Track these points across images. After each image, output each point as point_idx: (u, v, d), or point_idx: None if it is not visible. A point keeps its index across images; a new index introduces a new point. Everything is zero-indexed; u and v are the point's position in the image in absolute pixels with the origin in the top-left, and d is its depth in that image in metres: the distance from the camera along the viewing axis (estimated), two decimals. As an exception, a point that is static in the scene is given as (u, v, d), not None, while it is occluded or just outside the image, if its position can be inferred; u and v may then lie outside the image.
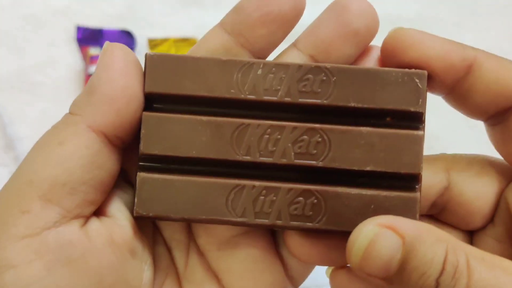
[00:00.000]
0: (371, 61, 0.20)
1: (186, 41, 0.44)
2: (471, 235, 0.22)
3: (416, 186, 0.19)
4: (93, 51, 0.44)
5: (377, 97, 0.18)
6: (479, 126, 0.21)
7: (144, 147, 0.19)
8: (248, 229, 0.21)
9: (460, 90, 0.19)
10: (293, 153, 0.18)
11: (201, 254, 0.21)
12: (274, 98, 0.19)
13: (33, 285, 0.17)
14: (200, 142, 0.19)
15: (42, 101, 0.43)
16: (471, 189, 0.20)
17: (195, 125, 0.19)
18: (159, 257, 0.20)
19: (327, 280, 0.22)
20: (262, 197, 0.19)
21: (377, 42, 0.21)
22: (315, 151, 0.18)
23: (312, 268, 0.22)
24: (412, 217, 0.18)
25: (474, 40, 0.46)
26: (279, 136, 0.19)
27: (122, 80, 0.18)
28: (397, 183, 0.19)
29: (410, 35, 0.19)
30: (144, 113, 0.19)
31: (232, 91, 0.19)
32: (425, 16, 0.46)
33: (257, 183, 0.19)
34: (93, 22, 0.45)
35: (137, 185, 0.19)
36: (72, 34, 0.45)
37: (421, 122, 0.19)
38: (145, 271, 0.19)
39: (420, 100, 0.18)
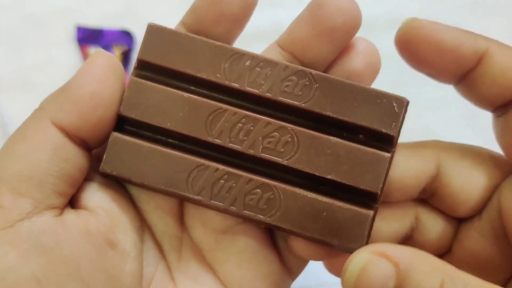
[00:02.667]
0: (354, 58, 0.20)
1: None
2: (459, 223, 0.22)
3: (373, 205, 0.19)
4: (93, 51, 0.44)
5: (354, 112, 0.19)
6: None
7: (124, 109, 0.19)
8: (244, 220, 0.21)
9: (468, 79, 0.19)
10: (261, 147, 0.19)
11: (195, 246, 0.21)
12: (255, 91, 0.19)
13: (11, 275, 0.17)
14: (177, 116, 0.19)
15: (42, 101, 0.43)
16: (458, 181, 0.20)
17: (175, 99, 0.19)
18: (147, 251, 0.20)
19: (328, 279, 0.22)
20: (222, 181, 0.19)
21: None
22: (282, 150, 0.19)
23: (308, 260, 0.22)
24: (361, 233, 0.18)
25: (474, 40, 0.46)
26: (252, 128, 0.19)
27: (93, 85, 0.19)
28: (356, 197, 0.19)
29: (423, 27, 0.19)
30: (131, 77, 0.20)
31: (218, 75, 0.19)
32: (425, 16, 0.46)
33: (221, 167, 0.19)
34: (93, 22, 0.45)
35: (108, 143, 0.19)
36: (72, 34, 0.45)
37: (392, 146, 0.19)
38: (128, 263, 0.19)
39: (394, 124, 0.19)
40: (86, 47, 0.44)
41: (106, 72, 0.19)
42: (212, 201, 0.19)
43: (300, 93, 0.19)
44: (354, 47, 0.20)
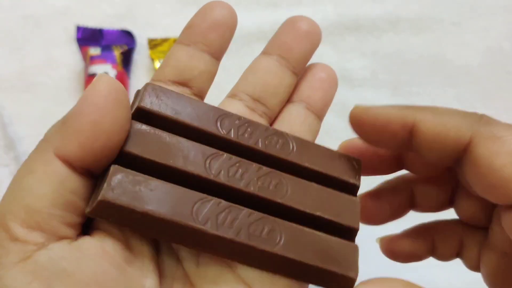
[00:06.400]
0: (316, 79, 0.26)
1: (186, 41, 0.45)
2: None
3: (353, 239, 0.22)
4: (93, 51, 0.44)
5: (326, 165, 0.23)
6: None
7: (127, 146, 0.20)
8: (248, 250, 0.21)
9: (412, 151, 0.22)
10: (257, 186, 0.21)
11: None
12: (245, 143, 0.22)
13: None
14: (178, 156, 0.21)
15: (42, 101, 0.43)
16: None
17: (179, 142, 0.21)
18: (163, 262, 0.21)
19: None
20: (225, 213, 0.20)
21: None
22: (276, 190, 0.21)
23: None
24: (354, 262, 0.21)
25: (474, 40, 0.46)
26: (246, 170, 0.21)
27: (93, 115, 0.19)
28: (337, 233, 0.21)
29: (361, 112, 0.22)
30: (133, 123, 0.20)
31: (213, 128, 0.22)
32: (425, 16, 0.46)
33: (223, 201, 0.20)
34: (93, 22, 0.45)
35: (109, 173, 0.19)
36: (72, 34, 0.45)
37: (355, 194, 0.23)
38: (148, 277, 0.19)
39: (357, 176, 0.23)
40: (86, 47, 0.44)
41: (107, 100, 0.19)
42: (218, 231, 0.20)
43: (282, 150, 0.22)
44: (311, 73, 0.26)
